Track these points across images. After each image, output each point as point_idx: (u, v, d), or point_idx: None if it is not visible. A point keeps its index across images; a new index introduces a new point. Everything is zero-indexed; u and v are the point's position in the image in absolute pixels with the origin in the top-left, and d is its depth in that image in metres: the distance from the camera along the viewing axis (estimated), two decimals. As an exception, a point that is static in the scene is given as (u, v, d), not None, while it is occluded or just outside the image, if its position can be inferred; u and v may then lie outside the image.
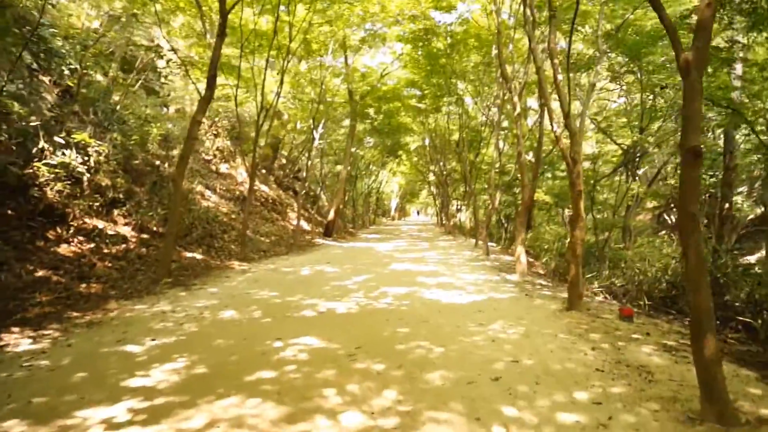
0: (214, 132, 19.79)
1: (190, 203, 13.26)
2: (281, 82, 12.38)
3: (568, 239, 5.75)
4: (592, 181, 15.66)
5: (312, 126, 15.54)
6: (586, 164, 21.86)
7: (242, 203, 17.89)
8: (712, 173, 13.18)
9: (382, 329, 5.18)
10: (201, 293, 7.49)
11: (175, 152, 14.89)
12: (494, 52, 15.70)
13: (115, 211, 10.25)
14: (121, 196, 10.47)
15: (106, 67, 13.58)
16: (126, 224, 10.34)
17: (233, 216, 15.78)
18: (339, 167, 30.43)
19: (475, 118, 22.46)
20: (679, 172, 14.67)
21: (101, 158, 10.06)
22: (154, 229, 11.24)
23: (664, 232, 18.70)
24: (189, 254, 11.10)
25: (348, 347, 4.49)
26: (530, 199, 8.78)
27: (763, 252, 13.30)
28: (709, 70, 8.36)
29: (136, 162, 12.43)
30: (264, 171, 23.27)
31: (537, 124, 11.41)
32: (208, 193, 15.83)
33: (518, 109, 9.21)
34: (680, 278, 11.47)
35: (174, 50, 10.92)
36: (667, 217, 25.04)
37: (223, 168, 19.12)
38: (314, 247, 16.06)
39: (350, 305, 6.57)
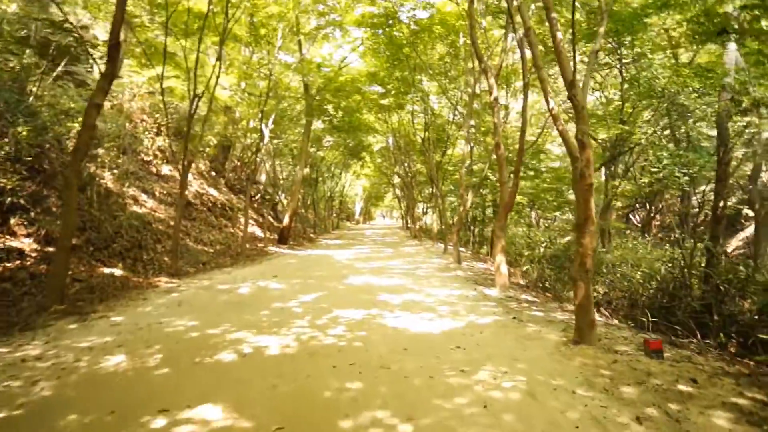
0: (154, 130, 17.80)
1: (114, 208, 11.36)
2: (218, 68, 10.61)
3: (576, 248, 4.31)
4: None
5: (260, 120, 13.76)
6: (557, 164, 20.95)
7: (186, 208, 16.01)
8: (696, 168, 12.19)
9: (322, 386, 3.59)
10: (97, 326, 5.73)
11: (101, 151, 12.97)
12: (461, 40, 14.44)
13: (13, 220, 8.36)
14: (22, 201, 8.56)
15: (18, 51, 11.61)
16: (27, 235, 8.45)
17: (172, 222, 13.87)
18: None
19: (441, 116, 21.18)
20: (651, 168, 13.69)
21: (-1, 156, 8.26)
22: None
23: (630, 232, 17.81)
24: (107, 270, 9.24)
25: (264, 427, 2.90)
26: (512, 199, 7.39)
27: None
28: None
29: (49, 162, 10.53)
30: (214, 173, 21.30)
31: (520, 109, 10.17)
32: (144, 197, 13.87)
33: (495, 93, 7.81)
34: (673, 285, 10.39)
35: (84, 27, 9.04)
36: (632, 217, 24.34)
37: (165, 170, 17.11)
38: (265, 257, 14.30)
39: (288, 341, 4.95)
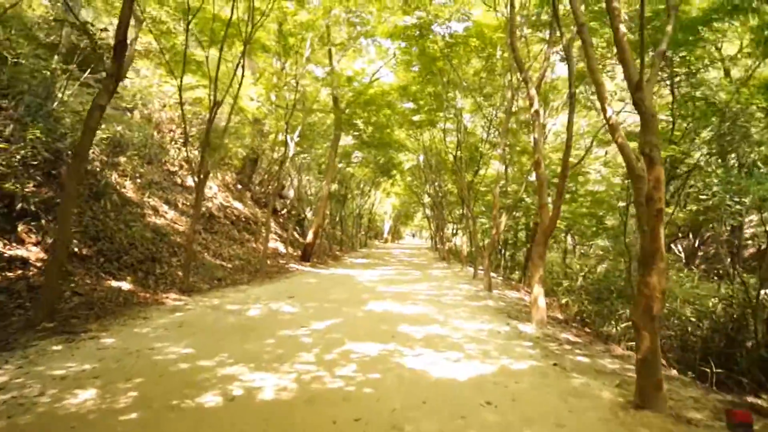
0: (182, 140, 17.63)
1: (131, 218, 10.98)
2: (241, 76, 10.15)
3: (639, 288, 3.46)
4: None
5: (285, 132, 13.28)
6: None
7: (208, 221, 15.64)
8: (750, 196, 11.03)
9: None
10: (83, 348, 5.14)
11: (123, 159, 12.72)
12: (498, 54, 13.71)
13: (21, 227, 7.99)
14: (33, 208, 8.21)
15: (46, 57, 11.52)
16: (35, 244, 8.06)
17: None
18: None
19: (474, 134, 20.41)
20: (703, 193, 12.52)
21: (13, 160, 7.98)
22: (76, 250, 8.95)
23: (680, 264, 16.41)
24: (116, 283, 8.76)
25: None
26: (553, 224, 6.52)
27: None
28: None
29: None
30: (240, 186, 21.02)
31: (556, 129, 9.41)
32: (165, 208, 13.53)
33: (536, 105, 7.01)
34: (732, 326, 9.26)
35: (103, 29, 8.74)
36: (673, 247, 22.64)
37: (190, 181, 16.84)
38: (285, 275, 13.68)
39: (286, 381, 4.22)
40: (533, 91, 7.10)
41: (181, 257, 11.70)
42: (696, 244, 20.45)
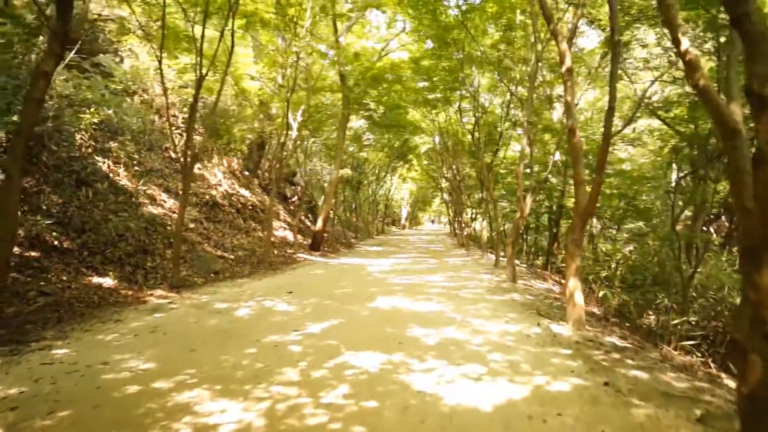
0: (184, 126, 16.76)
1: (120, 208, 10.13)
2: (230, 46, 9.10)
3: (745, 290, 2.34)
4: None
5: (286, 111, 12.23)
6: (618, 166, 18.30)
7: (211, 209, 14.76)
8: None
9: None
10: (24, 364, 4.26)
11: (114, 144, 11.86)
12: (518, 19, 12.38)
13: (-9, 219, 7.10)
14: (6, 198, 7.33)
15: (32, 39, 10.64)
16: (6, 237, 7.17)
17: (192, 225, 12.60)
18: (343, 171, 27.26)
19: (493, 113, 19.10)
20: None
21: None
22: (56, 243, 8.13)
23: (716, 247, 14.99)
24: (98, 279, 7.91)
25: None
26: (592, 204, 5.36)
27: None
28: None
29: (50, 155, 9.46)
30: (247, 172, 20.11)
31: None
32: (164, 196, 12.66)
33: (568, 62, 5.82)
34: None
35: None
36: (708, 229, 21.00)
37: (196, 168, 15.99)
38: (291, 265, 12.73)
39: (253, 414, 3.21)
40: (564, 46, 5.90)
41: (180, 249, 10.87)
42: (731, 224, 18.79)
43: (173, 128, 16.04)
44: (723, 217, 17.35)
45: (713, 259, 11.53)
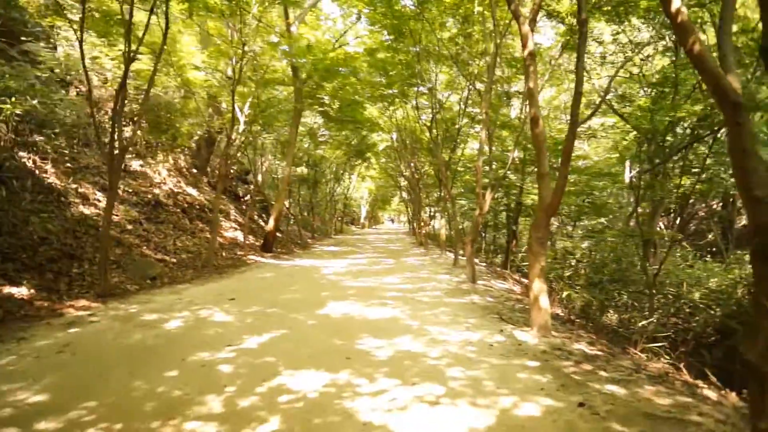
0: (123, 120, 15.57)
1: (44, 209, 9.11)
2: (165, 27, 8.22)
3: (753, 300, 1.81)
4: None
5: (232, 103, 11.40)
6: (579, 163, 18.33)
7: (153, 209, 13.68)
8: None
9: None
10: None
11: (39, 138, 10.74)
12: (477, 10, 11.99)
13: None
14: None
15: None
16: None
17: (130, 227, 11.56)
18: (298, 169, 26.36)
19: (451, 109, 18.78)
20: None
21: None
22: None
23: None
24: (9, 289, 6.92)
25: None
26: (557, 198, 4.91)
27: None
28: None
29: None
30: (195, 170, 18.98)
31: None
32: (99, 195, 11.57)
33: (530, 45, 5.36)
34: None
35: None
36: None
37: (136, 165, 14.85)
38: (239, 269, 11.89)
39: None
40: (526, 28, 5.43)
41: (111, 252, 9.87)
42: (684, 221, 19.12)
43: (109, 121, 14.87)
44: (671, 214, 17.61)
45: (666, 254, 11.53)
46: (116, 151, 7.60)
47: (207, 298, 7.58)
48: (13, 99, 9.78)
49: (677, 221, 17.52)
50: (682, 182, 8.65)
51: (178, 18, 13.77)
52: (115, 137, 7.58)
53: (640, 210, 16.63)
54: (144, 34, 7.76)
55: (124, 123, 15.36)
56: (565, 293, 7.47)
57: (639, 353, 6.04)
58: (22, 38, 12.29)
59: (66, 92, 14.08)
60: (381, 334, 5.29)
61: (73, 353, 4.64)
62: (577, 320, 6.92)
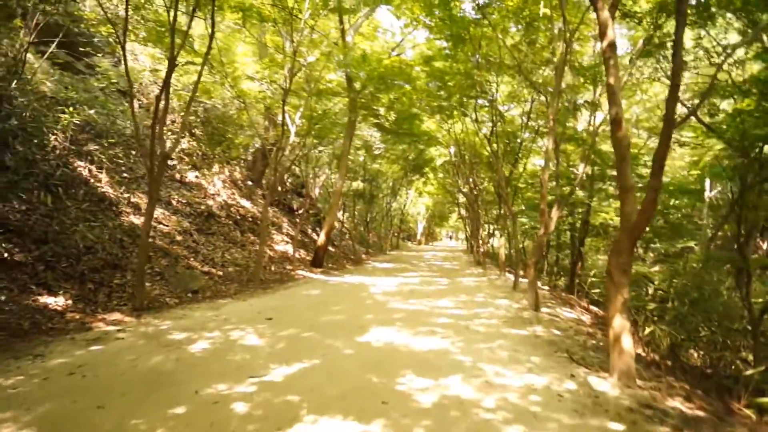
0: (178, 129, 15.79)
1: (92, 218, 9.10)
2: (211, 33, 7.97)
3: None
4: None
5: (282, 112, 11.09)
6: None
7: (205, 221, 13.63)
8: None
9: None
10: None
11: (93, 147, 10.88)
12: (542, 11, 11.08)
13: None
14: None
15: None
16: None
17: (179, 237, 11.45)
18: (354, 183, 26.06)
19: (512, 122, 17.79)
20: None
21: None
22: (5, 255, 7.06)
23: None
24: (45, 299, 6.77)
25: None
26: (646, 216, 3.98)
27: None
28: None
29: (13, 157, 8.46)
30: (250, 182, 19.02)
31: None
32: (152, 205, 11.54)
33: (610, 34, 4.50)
34: None
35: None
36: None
37: (191, 176, 14.97)
38: (286, 284, 11.46)
39: None
40: (606, 14, 4.58)
41: (155, 264, 9.71)
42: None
43: (169, 132, 15.07)
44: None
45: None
46: (156, 159, 7.32)
47: (244, 317, 7.09)
48: (71, 109, 9.93)
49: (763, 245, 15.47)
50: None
51: (226, 27, 13.83)
52: (156, 145, 7.32)
53: (726, 233, 14.84)
54: (186, 36, 7.50)
55: (174, 133, 15.65)
56: (647, 329, 6.34)
57: (743, 408, 4.90)
58: (90, 51, 12.70)
59: (128, 104, 14.46)
60: (427, 372, 4.51)
61: (84, 375, 4.21)
62: (663, 362, 5.80)
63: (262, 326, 6.39)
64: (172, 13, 7.07)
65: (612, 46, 4.57)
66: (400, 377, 4.35)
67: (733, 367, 7.51)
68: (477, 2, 11.38)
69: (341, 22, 12.73)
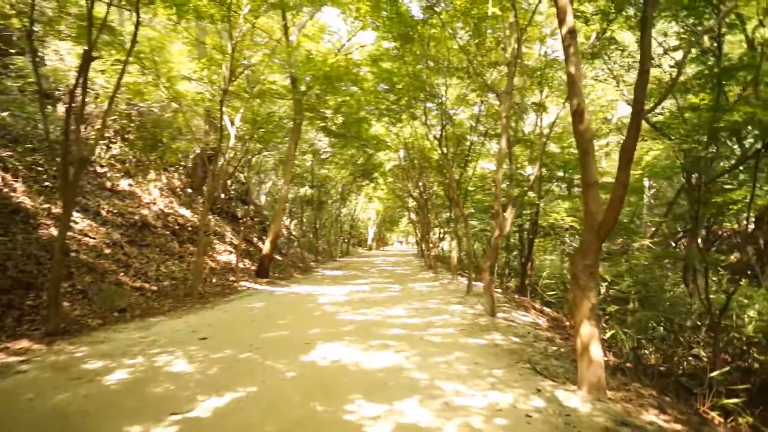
0: (113, 137, 14.59)
1: (15, 230, 8.08)
2: (135, 26, 7.16)
3: None
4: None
5: (220, 114, 10.33)
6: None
7: (139, 231, 12.56)
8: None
9: None
10: None
11: (6, 153, 9.77)
12: (490, 11, 10.91)
13: None
14: None
15: None
16: None
17: (108, 250, 10.40)
18: (301, 190, 25.30)
19: (461, 125, 17.71)
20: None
21: None
22: None
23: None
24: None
25: None
26: (614, 213, 3.66)
27: None
28: None
29: None
30: (191, 190, 17.90)
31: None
32: (76, 216, 10.49)
33: (569, 21, 4.20)
34: None
35: None
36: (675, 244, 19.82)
37: (124, 184, 13.82)
38: (228, 297, 10.65)
39: None
40: (564, 0, 4.27)
41: (76, 281, 8.69)
42: (710, 242, 17.56)
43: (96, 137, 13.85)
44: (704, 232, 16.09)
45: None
46: (70, 164, 6.46)
47: (175, 337, 6.33)
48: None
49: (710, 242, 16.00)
50: (734, 196, 7.30)
51: (162, 25, 12.90)
52: (72, 146, 6.46)
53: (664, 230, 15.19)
54: (104, 27, 6.67)
55: (108, 140, 14.47)
56: (607, 331, 6.09)
57: (708, 410, 4.70)
58: (3, 48, 11.51)
59: (53, 108, 13.20)
60: (379, 395, 3.99)
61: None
62: (626, 366, 5.55)
63: (194, 348, 5.66)
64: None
65: (572, 32, 4.25)
66: (349, 404, 3.80)
67: (685, 363, 7.46)
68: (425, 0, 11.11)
69: (284, 18, 12.07)
